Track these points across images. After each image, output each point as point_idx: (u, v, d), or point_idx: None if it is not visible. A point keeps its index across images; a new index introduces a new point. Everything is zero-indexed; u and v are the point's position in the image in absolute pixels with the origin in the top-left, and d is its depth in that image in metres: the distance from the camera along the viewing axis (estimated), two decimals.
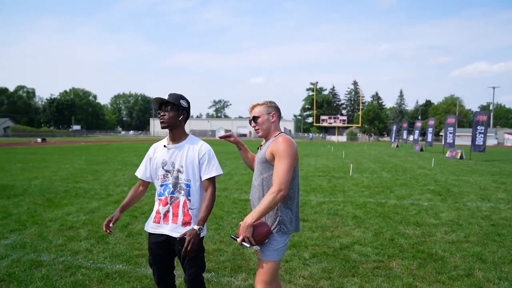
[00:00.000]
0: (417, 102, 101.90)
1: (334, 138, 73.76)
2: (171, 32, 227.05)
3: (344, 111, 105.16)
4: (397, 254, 4.63)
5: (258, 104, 2.59)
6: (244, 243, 2.35)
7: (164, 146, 2.62)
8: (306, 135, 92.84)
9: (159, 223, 2.58)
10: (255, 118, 2.58)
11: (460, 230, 5.79)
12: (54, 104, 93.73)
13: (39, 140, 43.37)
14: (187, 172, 2.54)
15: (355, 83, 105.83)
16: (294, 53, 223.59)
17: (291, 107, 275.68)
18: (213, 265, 4.16)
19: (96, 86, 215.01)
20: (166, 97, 2.53)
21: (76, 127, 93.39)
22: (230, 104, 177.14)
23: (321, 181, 11.12)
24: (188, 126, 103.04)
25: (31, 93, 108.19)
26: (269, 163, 2.47)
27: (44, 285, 3.57)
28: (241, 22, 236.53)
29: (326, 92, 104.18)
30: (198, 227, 2.42)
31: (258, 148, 2.68)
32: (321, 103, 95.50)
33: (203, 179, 2.56)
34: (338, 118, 69.75)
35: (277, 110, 2.62)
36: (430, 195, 8.90)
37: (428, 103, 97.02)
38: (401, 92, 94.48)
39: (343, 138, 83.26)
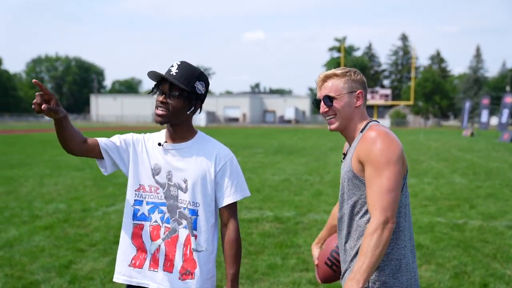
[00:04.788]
0: (503, 64, 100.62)
1: None
2: None
3: (386, 81, 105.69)
4: None
5: (335, 75, 2.34)
6: None
7: (159, 144, 2.48)
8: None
9: (141, 268, 2.47)
10: (327, 99, 2.32)
11: None
12: None
13: None
14: (194, 191, 2.42)
15: (403, 38, 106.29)
16: None
17: (306, 77, 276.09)
18: None
19: (1, 46, 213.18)
20: (173, 71, 2.30)
21: None
22: (214, 73, 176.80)
23: None
24: (151, 108, 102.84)
25: None
26: (359, 178, 2.25)
27: None
28: None
29: (359, 53, 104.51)
30: None
31: (342, 160, 2.50)
32: None
33: (222, 204, 2.46)
34: (377, 92, 70.22)
35: (364, 87, 2.38)
36: None
37: None
38: (477, 49, 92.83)
39: (385, 122, 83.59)
